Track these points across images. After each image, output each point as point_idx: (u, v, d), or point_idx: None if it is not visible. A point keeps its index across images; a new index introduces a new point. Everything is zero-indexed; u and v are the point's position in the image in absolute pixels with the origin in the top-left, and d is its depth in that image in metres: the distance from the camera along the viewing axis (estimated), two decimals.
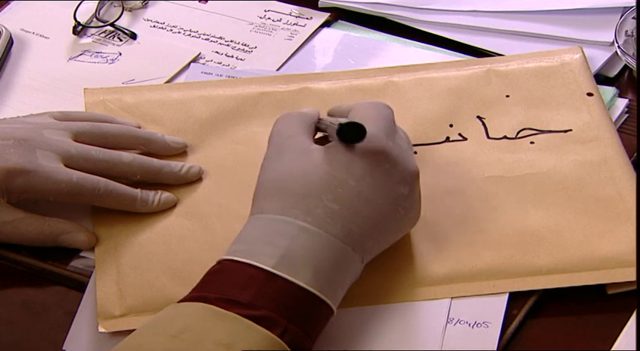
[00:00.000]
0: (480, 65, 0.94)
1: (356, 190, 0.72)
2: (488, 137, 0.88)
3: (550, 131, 0.87)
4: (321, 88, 0.93)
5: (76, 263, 0.81)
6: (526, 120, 0.88)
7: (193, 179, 0.85)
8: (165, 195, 0.83)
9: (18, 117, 0.86)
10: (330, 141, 0.76)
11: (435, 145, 0.87)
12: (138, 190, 0.82)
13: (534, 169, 0.85)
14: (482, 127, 0.89)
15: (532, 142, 0.87)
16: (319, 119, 0.80)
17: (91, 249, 0.81)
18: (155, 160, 0.85)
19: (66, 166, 0.80)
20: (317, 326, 0.69)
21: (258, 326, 0.66)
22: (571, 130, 0.87)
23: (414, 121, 0.89)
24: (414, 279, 0.77)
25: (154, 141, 0.86)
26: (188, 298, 0.69)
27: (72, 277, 0.80)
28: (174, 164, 0.85)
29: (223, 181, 0.85)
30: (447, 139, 0.88)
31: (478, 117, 0.89)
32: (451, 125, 0.89)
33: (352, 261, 0.72)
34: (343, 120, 0.75)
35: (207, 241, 0.81)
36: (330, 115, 0.83)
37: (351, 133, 0.73)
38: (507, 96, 0.91)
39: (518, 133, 0.88)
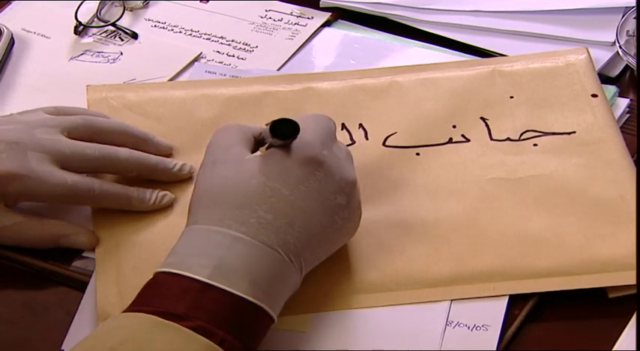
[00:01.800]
0: (485, 65, 0.94)
1: (290, 200, 0.72)
2: (492, 139, 0.87)
3: (554, 133, 0.87)
4: (325, 87, 0.93)
5: (77, 263, 0.81)
6: (530, 121, 0.88)
7: (185, 177, 0.84)
8: (162, 193, 0.83)
9: (11, 115, 0.85)
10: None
11: (438, 146, 0.87)
12: (134, 189, 0.82)
13: (537, 171, 0.84)
14: (486, 129, 0.88)
15: (535, 144, 0.87)
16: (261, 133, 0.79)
17: (93, 249, 0.81)
18: (151, 156, 0.84)
19: (61, 166, 0.80)
20: (256, 335, 0.69)
21: (198, 336, 0.65)
22: (575, 132, 0.87)
23: (417, 122, 0.89)
24: (415, 280, 0.77)
25: (145, 139, 0.86)
26: (128, 310, 0.69)
27: (73, 276, 0.80)
28: (169, 161, 0.85)
29: None
30: (450, 141, 0.88)
31: (481, 118, 0.89)
32: (454, 126, 0.89)
33: (289, 271, 0.71)
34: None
35: None
36: None
37: (284, 128, 0.73)
38: (511, 97, 0.90)
39: (521, 134, 0.87)
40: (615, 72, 0.95)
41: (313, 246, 0.73)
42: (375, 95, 0.92)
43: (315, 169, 0.73)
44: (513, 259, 0.78)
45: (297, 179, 0.73)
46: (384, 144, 0.88)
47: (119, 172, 0.83)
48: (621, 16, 0.96)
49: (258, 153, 0.75)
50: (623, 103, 0.91)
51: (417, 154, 0.87)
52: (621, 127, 0.89)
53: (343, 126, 0.89)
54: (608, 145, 0.86)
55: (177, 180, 0.85)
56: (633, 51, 0.93)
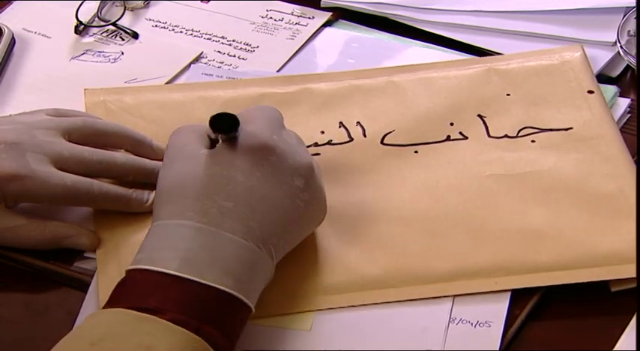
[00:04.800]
0: (481, 64, 0.94)
1: (247, 186, 0.73)
2: (489, 136, 0.88)
3: (551, 129, 0.87)
4: (321, 88, 0.93)
5: (78, 264, 0.81)
6: (527, 118, 0.88)
7: None
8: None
9: (10, 116, 0.85)
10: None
11: (436, 144, 0.87)
12: (132, 190, 0.82)
13: (535, 167, 0.85)
14: (483, 126, 0.89)
15: (533, 141, 0.87)
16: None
17: (94, 250, 0.81)
18: (147, 160, 0.85)
19: (59, 168, 0.80)
20: (233, 323, 0.69)
21: (175, 326, 0.66)
22: (572, 128, 0.87)
23: (415, 121, 0.89)
24: (416, 277, 0.77)
25: (143, 143, 0.86)
26: (105, 307, 0.69)
27: (75, 277, 0.80)
28: None
29: None
30: (448, 138, 0.88)
31: (479, 116, 0.89)
32: (452, 124, 0.89)
33: (259, 258, 0.72)
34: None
35: None
36: None
37: (223, 122, 0.74)
38: (508, 94, 0.91)
39: (519, 131, 0.88)
40: (616, 72, 0.95)
41: (279, 231, 0.73)
42: (372, 95, 0.92)
43: (268, 154, 0.74)
44: (514, 253, 0.78)
45: (251, 165, 0.73)
46: (382, 142, 0.88)
47: (116, 177, 0.83)
48: (622, 16, 0.96)
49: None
50: (624, 103, 0.91)
51: (416, 151, 0.87)
52: (622, 128, 0.89)
53: (341, 124, 0.89)
54: (605, 141, 0.86)
55: None
56: (634, 51, 0.93)
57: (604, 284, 0.77)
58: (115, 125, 0.86)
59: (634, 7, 0.96)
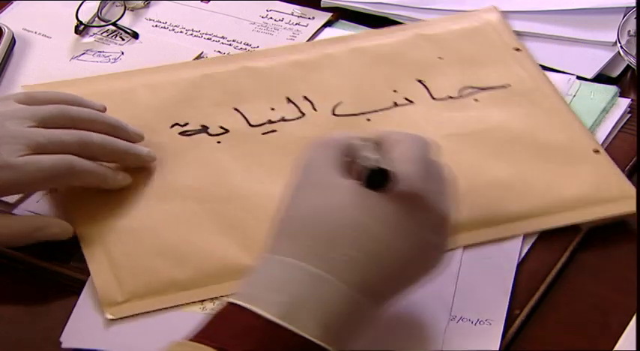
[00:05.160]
0: (406, 31, 0.98)
1: (380, 238, 0.66)
2: (433, 98, 0.91)
3: (490, 88, 0.91)
4: (260, 66, 0.95)
5: (76, 262, 0.81)
6: (464, 79, 0.92)
7: (152, 162, 0.85)
8: (124, 175, 0.84)
9: None
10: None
11: (386, 111, 0.90)
12: (105, 166, 0.83)
13: (486, 124, 0.88)
14: (425, 90, 0.92)
15: (476, 100, 0.90)
16: (352, 145, 0.72)
17: (69, 238, 0.81)
18: (122, 141, 0.85)
19: (37, 153, 0.79)
20: None
21: None
22: (510, 85, 0.91)
23: (358, 91, 0.92)
24: None
25: (120, 128, 0.86)
26: (192, 338, 0.65)
27: (73, 276, 0.80)
28: (140, 148, 0.85)
29: (184, 165, 0.86)
30: (395, 104, 0.91)
31: (418, 80, 0.92)
32: (395, 91, 0.92)
33: (367, 312, 0.67)
34: (372, 161, 0.68)
35: (189, 220, 0.82)
36: (375, 141, 0.75)
37: (377, 181, 0.67)
38: (440, 58, 0.94)
39: (459, 92, 0.91)
40: (616, 72, 0.95)
41: (396, 285, 0.68)
42: (311, 69, 0.94)
43: (416, 207, 0.68)
44: (487, 207, 0.81)
45: (394, 216, 0.67)
46: (333, 113, 0.90)
47: (94, 157, 0.82)
48: (622, 16, 0.96)
49: (351, 180, 0.69)
50: (624, 103, 0.91)
51: (368, 119, 0.89)
52: (622, 128, 0.89)
53: (288, 100, 0.91)
54: (544, 93, 0.90)
55: (146, 165, 0.85)
56: (634, 51, 0.93)
57: (602, 283, 0.77)
58: (90, 112, 0.85)
59: (634, 7, 0.96)
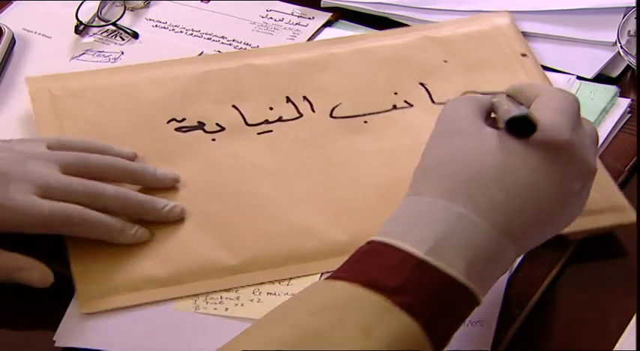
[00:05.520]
0: (415, 32, 0.97)
1: (526, 182, 0.67)
2: (434, 102, 0.90)
3: (492, 93, 0.89)
4: (264, 63, 0.94)
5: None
6: (467, 84, 0.90)
7: (175, 219, 0.81)
8: (142, 230, 0.80)
9: (11, 140, 0.83)
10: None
11: (384, 113, 0.90)
12: (115, 219, 0.79)
13: None
14: (426, 93, 0.91)
15: None
16: (495, 97, 0.75)
17: (45, 287, 0.78)
18: (139, 194, 0.81)
19: (44, 197, 0.78)
20: (461, 319, 0.66)
21: (402, 313, 0.62)
22: None
23: (359, 91, 0.92)
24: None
25: (145, 175, 0.83)
26: (334, 277, 0.65)
27: (66, 274, 0.79)
28: (159, 201, 0.81)
29: (176, 161, 0.86)
30: (395, 107, 0.90)
31: (420, 83, 0.92)
32: (395, 93, 0.91)
33: (508, 256, 0.67)
34: (517, 111, 0.69)
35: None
36: (512, 95, 0.77)
37: (521, 128, 0.68)
38: (445, 61, 0.94)
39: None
40: (616, 72, 0.95)
41: (537, 233, 0.69)
42: (315, 68, 0.94)
43: (561, 154, 0.68)
44: None
45: (540, 161, 0.68)
46: (331, 115, 0.90)
47: (105, 209, 0.80)
48: (622, 16, 0.96)
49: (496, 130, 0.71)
50: (624, 103, 0.91)
51: (365, 122, 0.89)
52: (622, 128, 0.89)
53: (288, 99, 0.91)
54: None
55: (167, 221, 0.81)
56: (634, 51, 0.93)
57: (603, 285, 0.77)
58: (113, 160, 0.83)
59: (634, 7, 0.96)
